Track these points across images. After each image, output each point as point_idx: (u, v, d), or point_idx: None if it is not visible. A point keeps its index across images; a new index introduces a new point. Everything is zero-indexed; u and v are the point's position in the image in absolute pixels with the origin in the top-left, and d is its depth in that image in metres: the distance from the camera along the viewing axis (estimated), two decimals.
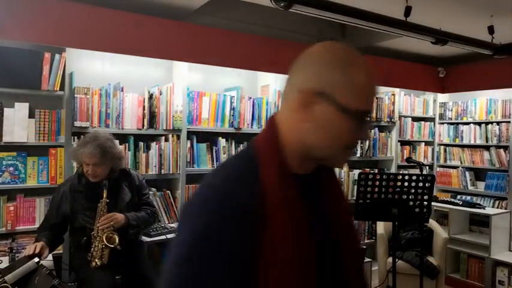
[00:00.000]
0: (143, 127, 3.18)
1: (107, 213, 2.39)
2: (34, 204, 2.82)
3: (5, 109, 2.73)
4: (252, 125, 3.69)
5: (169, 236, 2.93)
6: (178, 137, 3.32)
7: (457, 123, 4.93)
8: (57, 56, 2.81)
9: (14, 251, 2.63)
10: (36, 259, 2.04)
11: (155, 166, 3.23)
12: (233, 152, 3.61)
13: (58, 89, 2.83)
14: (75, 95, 2.88)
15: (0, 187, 2.73)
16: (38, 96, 2.87)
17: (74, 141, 2.89)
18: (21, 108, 2.76)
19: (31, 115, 2.80)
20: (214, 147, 3.53)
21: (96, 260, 2.31)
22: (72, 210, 2.43)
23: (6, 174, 2.74)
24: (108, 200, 2.40)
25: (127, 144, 3.11)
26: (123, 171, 2.62)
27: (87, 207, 2.43)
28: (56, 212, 2.44)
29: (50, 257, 2.60)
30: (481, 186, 4.73)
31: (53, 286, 1.92)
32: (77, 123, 2.89)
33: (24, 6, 2.66)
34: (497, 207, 4.42)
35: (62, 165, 2.86)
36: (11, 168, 2.76)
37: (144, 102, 3.18)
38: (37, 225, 2.78)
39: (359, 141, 4.22)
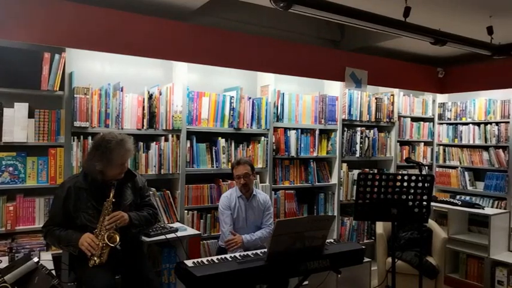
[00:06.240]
0: (143, 127, 3.19)
1: (111, 212, 2.39)
2: (34, 204, 2.82)
3: (5, 109, 2.73)
4: (251, 125, 3.69)
5: (169, 236, 2.90)
6: (178, 137, 3.33)
7: (456, 124, 4.94)
8: (56, 56, 2.81)
9: (13, 251, 2.63)
10: (36, 259, 2.04)
11: (155, 166, 3.23)
12: (233, 152, 3.61)
13: (58, 89, 2.83)
14: (75, 95, 2.89)
15: None
16: (38, 96, 2.87)
17: (73, 141, 2.89)
18: (21, 108, 2.76)
19: (31, 115, 2.79)
20: (213, 147, 3.53)
21: (95, 258, 2.31)
22: (76, 208, 2.42)
23: (5, 174, 2.74)
24: (114, 199, 2.40)
25: None
26: (129, 172, 2.62)
27: (91, 206, 2.43)
28: (62, 209, 2.42)
29: (50, 257, 2.61)
30: (480, 186, 4.74)
31: (52, 286, 1.91)
32: (77, 123, 2.89)
33: (24, 6, 2.66)
34: (497, 208, 4.43)
35: (62, 165, 2.86)
36: (11, 168, 2.76)
37: (143, 102, 3.18)
38: (37, 225, 2.79)
39: (358, 142, 4.23)
